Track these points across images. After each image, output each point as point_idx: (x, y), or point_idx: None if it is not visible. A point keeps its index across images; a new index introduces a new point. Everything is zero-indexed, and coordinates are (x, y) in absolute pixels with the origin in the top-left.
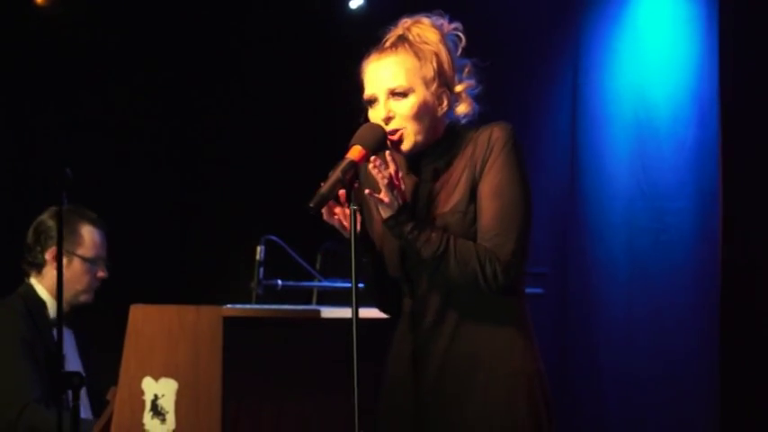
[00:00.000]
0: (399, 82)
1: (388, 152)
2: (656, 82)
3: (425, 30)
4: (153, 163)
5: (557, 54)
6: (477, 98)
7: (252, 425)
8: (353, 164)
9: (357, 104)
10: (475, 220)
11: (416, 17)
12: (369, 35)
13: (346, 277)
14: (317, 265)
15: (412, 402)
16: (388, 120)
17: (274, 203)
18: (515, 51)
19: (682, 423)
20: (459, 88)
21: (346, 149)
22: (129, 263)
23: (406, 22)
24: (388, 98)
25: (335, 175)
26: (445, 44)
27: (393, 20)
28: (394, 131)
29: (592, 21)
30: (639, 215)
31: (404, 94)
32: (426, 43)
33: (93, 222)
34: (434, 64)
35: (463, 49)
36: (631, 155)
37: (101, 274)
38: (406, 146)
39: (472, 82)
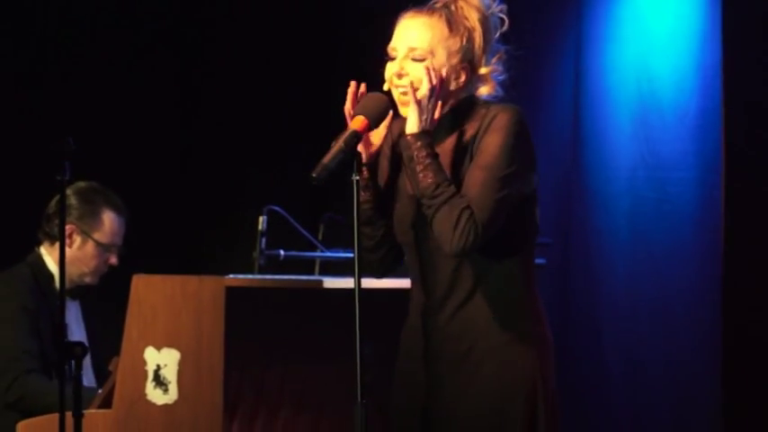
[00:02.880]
0: (421, 44)
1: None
2: (658, 51)
3: (470, 6)
4: (155, 132)
5: (559, 24)
6: (502, 84)
7: (254, 395)
8: (356, 134)
9: (360, 70)
10: None
11: None
12: (371, 9)
13: (349, 247)
14: (320, 236)
15: (423, 372)
16: (399, 76)
17: (277, 173)
18: (517, 22)
19: (684, 389)
20: (483, 70)
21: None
22: (132, 233)
23: None
24: (407, 56)
25: (338, 145)
26: (483, 24)
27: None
28: (404, 90)
29: None
30: (642, 185)
31: (421, 58)
32: (465, 18)
33: (117, 209)
34: (464, 39)
35: (502, 34)
36: (634, 125)
37: (112, 260)
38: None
39: (499, 68)
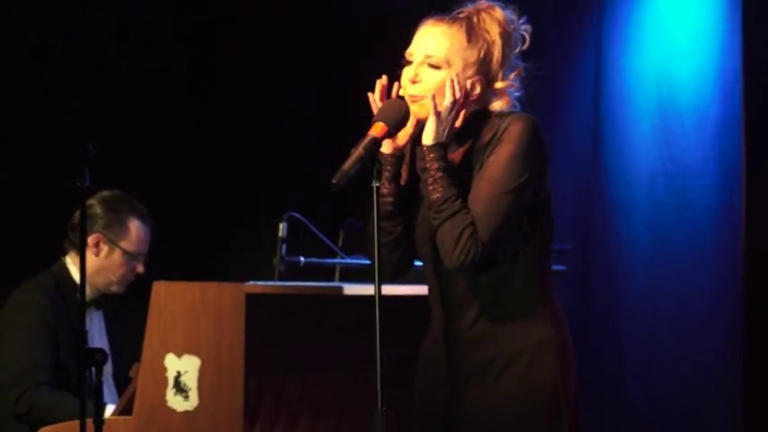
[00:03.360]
0: (438, 52)
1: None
2: (679, 57)
3: (492, 20)
4: (175, 139)
5: (579, 29)
6: (519, 100)
7: (274, 402)
8: (376, 141)
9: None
10: None
11: (491, 4)
12: (386, 12)
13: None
14: (340, 242)
15: (445, 380)
16: (413, 81)
17: (297, 180)
18: (537, 27)
19: (704, 395)
20: (499, 85)
21: (369, 126)
22: (153, 239)
23: (482, 3)
24: (422, 63)
25: (358, 151)
26: (504, 38)
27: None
28: (415, 99)
29: None
30: (662, 191)
31: (437, 66)
32: (486, 31)
33: (143, 218)
34: (482, 52)
35: (522, 51)
36: (654, 131)
37: (139, 269)
38: (423, 113)
39: (516, 84)
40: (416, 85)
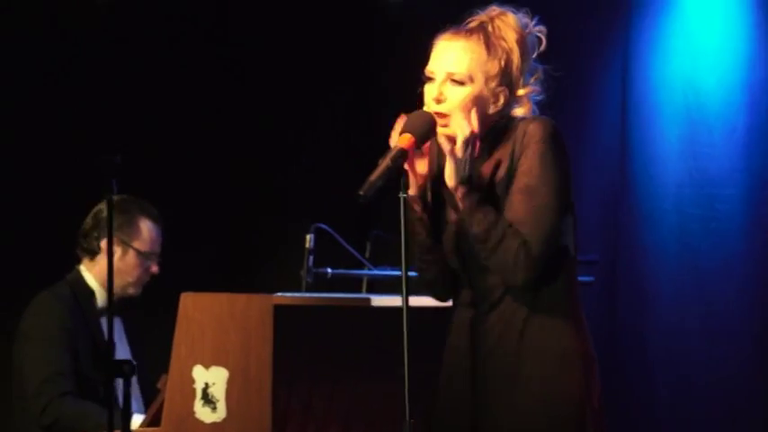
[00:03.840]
0: (460, 69)
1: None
2: (706, 67)
3: (507, 26)
4: (202, 150)
5: (607, 39)
6: (539, 104)
7: (302, 413)
8: (403, 152)
9: (407, 88)
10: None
11: (504, 9)
12: (409, 22)
13: (396, 265)
14: (367, 254)
15: (469, 392)
16: (438, 101)
17: (324, 191)
18: (564, 37)
19: (732, 405)
20: (521, 92)
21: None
22: (180, 250)
23: (493, 10)
24: (445, 80)
25: (385, 162)
26: (521, 46)
27: (433, 11)
28: (441, 116)
29: (641, 6)
30: (689, 202)
31: (461, 83)
32: (503, 39)
33: (153, 217)
34: (502, 62)
35: (540, 53)
36: (681, 141)
37: (153, 269)
38: (449, 131)
39: (537, 88)
40: (442, 104)
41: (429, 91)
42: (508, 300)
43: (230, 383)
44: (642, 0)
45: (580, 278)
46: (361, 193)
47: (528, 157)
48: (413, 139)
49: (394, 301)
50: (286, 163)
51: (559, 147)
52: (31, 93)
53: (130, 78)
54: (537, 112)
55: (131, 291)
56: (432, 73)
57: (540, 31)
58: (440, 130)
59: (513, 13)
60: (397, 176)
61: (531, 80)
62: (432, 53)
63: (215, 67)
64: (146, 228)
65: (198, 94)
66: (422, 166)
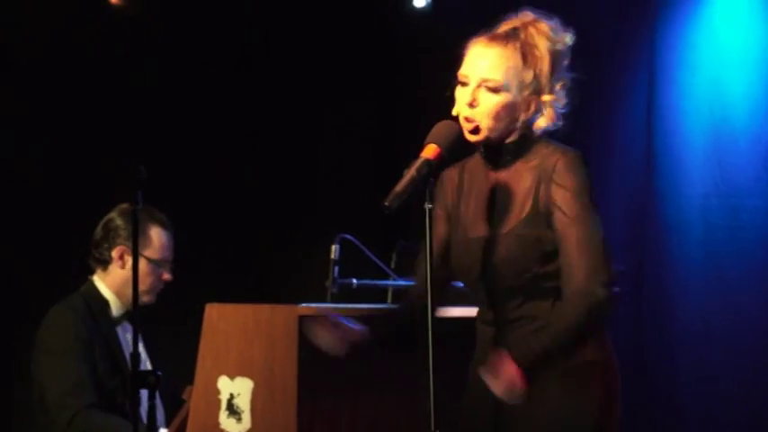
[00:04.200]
0: (495, 76)
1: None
2: (732, 77)
3: (541, 34)
4: (227, 160)
5: (632, 49)
6: (562, 115)
7: (327, 424)
8: (429, 162)
9: (430, 102)
10: (533, 244)
11: (537, 17)
12: (435, 33)
13: None
14: (392, 264)
15: (492, 401)
16: (470, 105)
17: (349, 202)
18: (591, 47)
19: (759, 415)
20: (546, 98)
21: (421, 148)
22: (205, 261)
23: (527, 15)
24: (479, 86)
25: (411, 173)
26: (552, 55)
27: (458, 20)
28: (470, 120)
29: (668, 16)
30: (715, 212)
31: (495, 90)
32: (536, 47)
33: (162, 224)
34: (536, 70)
35: (567, 64)
36: (707, 151)
37: (166, 276)
38: (478, 138)
39: (562, 98)
40: (474, 109)
41: (462, 95)
42: (534, 310)
43: (255, 394)
44: (668, 11)
45: None
46: (387, 203)
47: (566, 190)
48: (438, 150)
49: None
50: (312, 173)
51: (591, 179)
52: (46, 105)
53: (157, 89)
54: (559, 122)
55: (145, 299)
56: (465, 77)
57: (570, 41)
58: (468, 135)
59: (547, 20)
60: (422, 187)
61: (557, 88)
62: (465, 57)
63: (243, 79)
64: (156, 235)
65: (225, 106)
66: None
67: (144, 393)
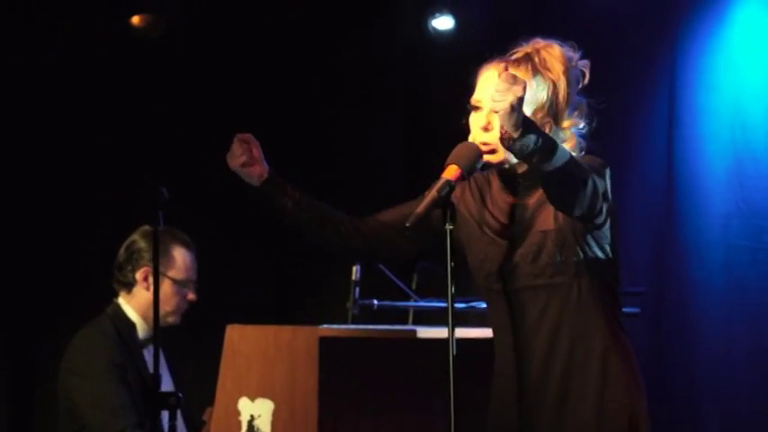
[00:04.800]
0: None
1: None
2: (752, 99)
3: (553, 58)
4: (249, 184)
5: (653, 71)
6: (583, 136)
7: None
8: (449, 183)
9: (453, 121)
10: (570, 234)
11: (549, 41)
12: (458, 53)
13: (442, 297)
14: (413, 285)
15: (516, 419)
16: (485, 129)
17: None
18: (612, 70)
19: None
20: (566, 124)
21: (442, 168)
22: (226, 283)
23: (538, 42)
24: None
25: (431, 194)
26: (567, 78)
27: (480, 43)
28: (487, 144)
29: (688, 38)
30: (737, 233)
31: None
32: (549, 70)
33: (186, 244)
34: (549, 93)
35: (585, 86)
36: (728, 172)
37: (190, 296)
38: (496, 159)
39: (581, 122)
40: (489, 133)
41: (476, 120)
42: (554, 325)
43: (276, 416)
44: (688, 33)
45: (626, 309)
46: (408, 224)
47: None
48: (459, 171)
49: (440, 332)
50: (333, 194)
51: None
52: (68, 127)
53: (179, 109)
54: (583, 145)
55: (171, 320)
56: (478, 102)
57: (584, 65)
58: (486, 157)
59: (559, 45)
60: (443, 207)
61: (575, 114)
62: (477, 82)
63: (265, 101)
64: (180, 256)
65: (245, 127)
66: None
67: (165, 415)
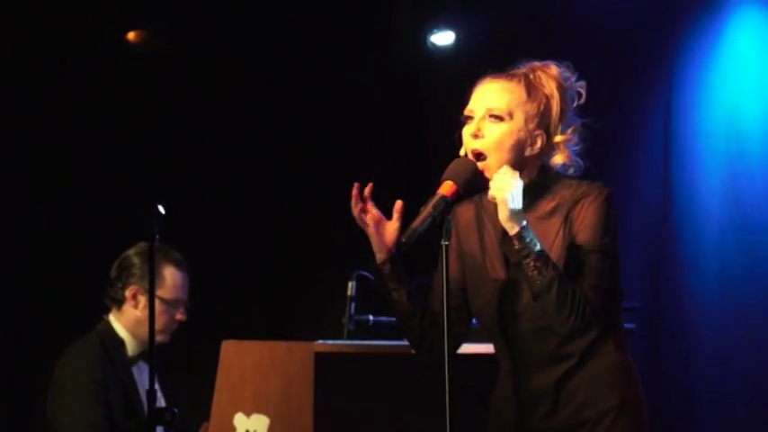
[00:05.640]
0: (499, 105)
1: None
2: (748, 115)
3: (549, 76)
4: (247, 199)
5: (649, 87)
6: (578, 154)
7: None
8: (445, 199)
9: (449, 139)
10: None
11: (546, 62)
12: (457, 69)
13: None
14: None
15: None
16: (475, 136)
17: (366, 238)
18: (609, 85)
19: None
20: (558, 139)
21: (438, 185)
22: (222, 298)
23: (536, 63)
24: (484, 117)
25: (427, 210)
26: (561, 94)
27: (481, 60)
28: (477, 152)
29: (684, 55)
30: (732, 248)
31: (499, 118)
32: (543, 86)
33: (177, 264)
34: (542, 106)
35: (581, 106)
36: (724, 188)
37: (179, 316)
38: (491, 175)
39: (574, 138)
40: (479, 140)
41: (468, 129)
42: (558, 354)
43: (271, 431)
44: (685, 50)
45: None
46: (404, 240)
47: (591, 221)
48: (454, 187)
49: None
50: (328, 210)
51: (616, 216)
52: (63, 143)
53: (176, 126)
54: (577, 162)
55: (159, 338)
56: (471, 112)
57: (581, 86)
58: (479, 164)
59: (556, 65)
60: (439, 224)
61: (569, 131)
62: (472, 95)
63: (260, 118)
64: (170, 275)
65: (243, 145)
66: (391, 229)
67: (160, 431)
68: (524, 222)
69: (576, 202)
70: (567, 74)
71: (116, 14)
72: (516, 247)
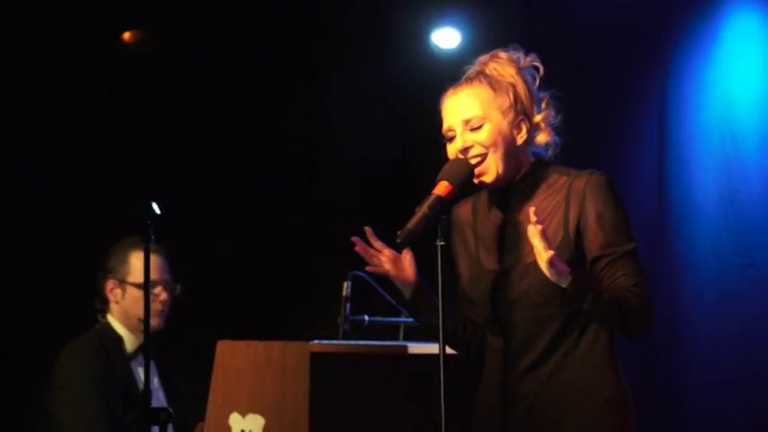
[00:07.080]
0: (474, 112)
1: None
2: (743, 115)
3: (502, 63)
4: (241, 199)
5: (644, 87)
6: (556, 129)
7: None
8: (440, 199)
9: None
10: (565, 255)
11: (493, 52)
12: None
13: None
14: None
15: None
16: (465, 150)
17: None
18: (604, 85)
19: None
20: (538, 118)
21: (433, 185)
22: (217, 298)
23: (483, 58)
24: (465, 129)
25: (422, 210)
26: (522, 76)
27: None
28: (477, 160)
29: (679, 54)
30: (727, 248)
31: (479, 125)
32: (503, 75)
33: (140, 247)
34: (511, 95)
35: (541, 80)
36: (719, 187)
37: (162, 297)
38: (489, 178)
39: (551, 112)
40: (472, 149)
41: (453, 147)
42: (548, 349)
43: (267, 431)
44: (679, 49)
45: None
46: (399, 240)
47: (599, 205)
48: (450, 187)
49: (431, 348)
50: (324, 210)
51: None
52: (58, 143)
53: (170, 126)
54: (557, 138)
55: (152, 323)
56: (449, 128)
57: (533, 59)
58: (477, 169)
59: (504, 51)
60: (434, 224)
61: (543, 105)
62: (443, 113)
63: (256, 117)
64: (137, 260)
65: (238, 143)
66: (407, 263)
67: (155, 430)
68: (570, 277)
69: (579, 194)
70: (517, 54)
71: (111, 15)
72: (572, 294)
